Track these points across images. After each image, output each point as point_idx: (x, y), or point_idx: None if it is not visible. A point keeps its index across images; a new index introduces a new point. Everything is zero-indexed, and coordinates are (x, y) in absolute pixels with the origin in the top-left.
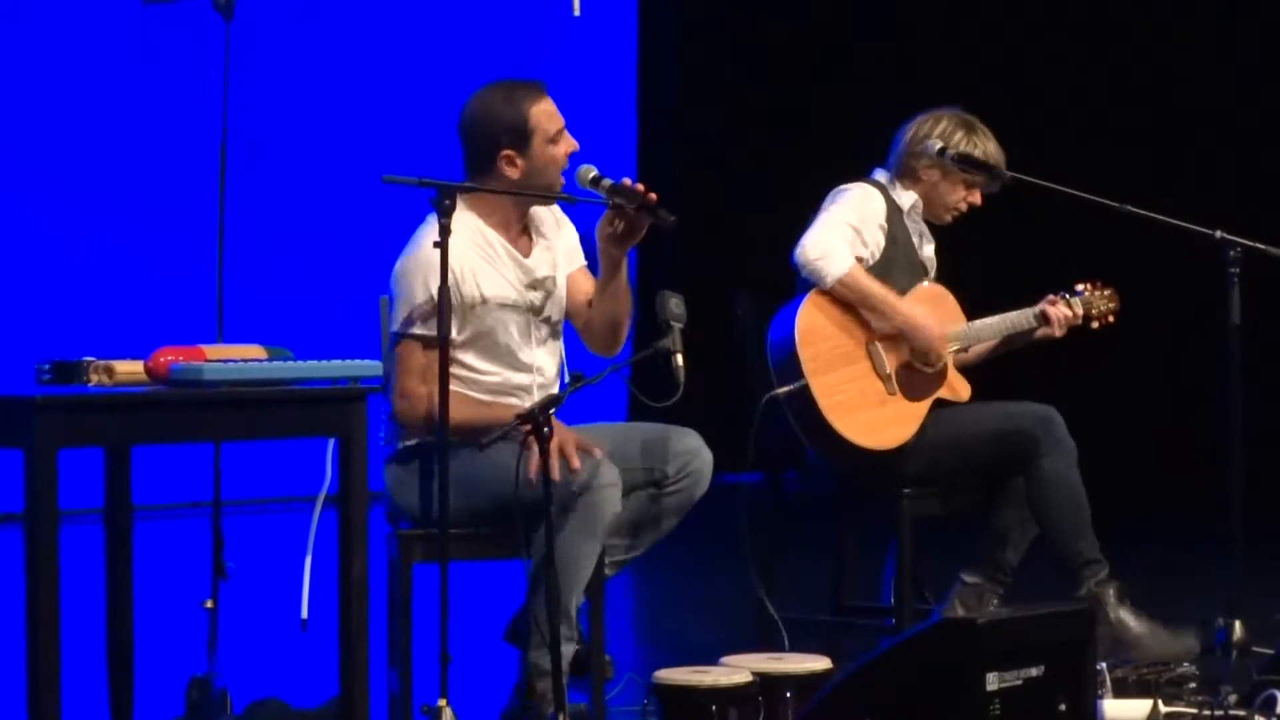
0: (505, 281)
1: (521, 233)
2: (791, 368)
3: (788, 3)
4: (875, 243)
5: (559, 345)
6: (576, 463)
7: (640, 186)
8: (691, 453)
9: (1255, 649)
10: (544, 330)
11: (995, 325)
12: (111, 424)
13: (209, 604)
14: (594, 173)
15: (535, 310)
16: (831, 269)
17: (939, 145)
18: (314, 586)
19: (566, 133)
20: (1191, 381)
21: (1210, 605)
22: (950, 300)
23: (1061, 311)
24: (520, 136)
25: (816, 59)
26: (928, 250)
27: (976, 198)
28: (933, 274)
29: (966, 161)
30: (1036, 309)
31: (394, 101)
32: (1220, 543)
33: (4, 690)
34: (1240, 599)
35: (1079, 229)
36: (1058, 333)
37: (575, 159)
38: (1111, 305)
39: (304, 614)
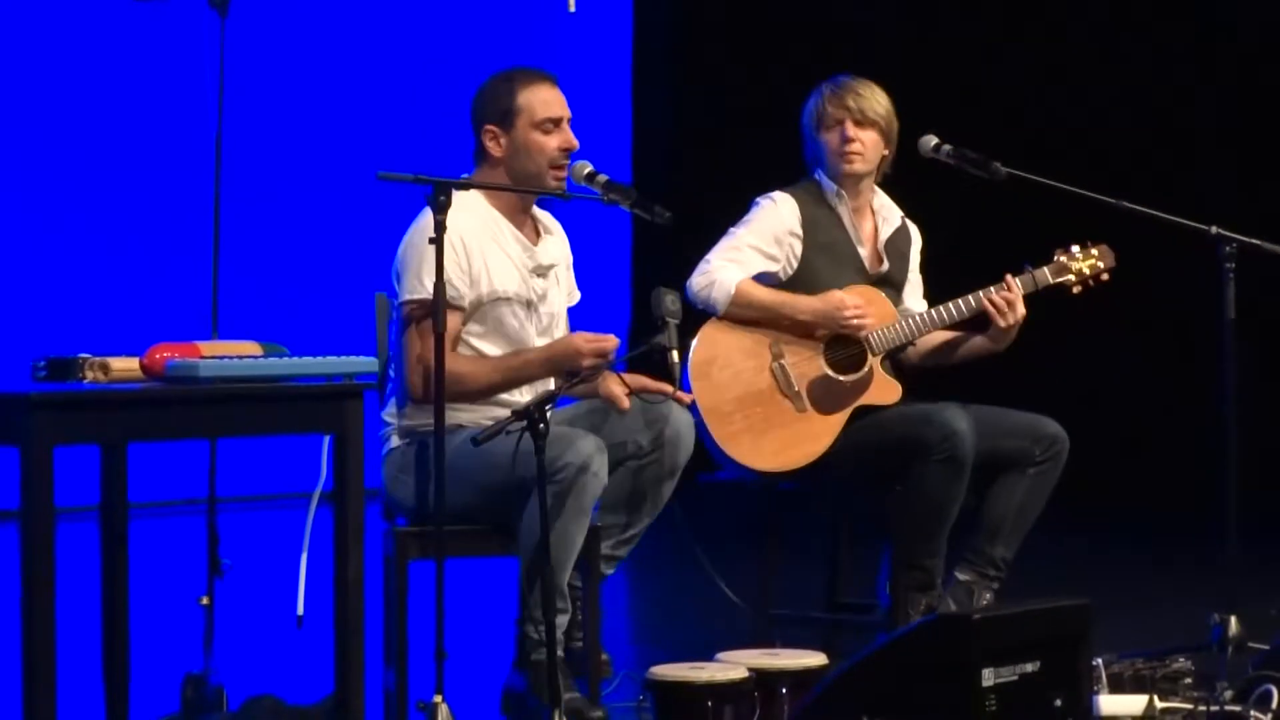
0: (511, 264)
1: (526, 221)
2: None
3: None
4: (788, 254)
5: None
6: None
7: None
8: (663, 419)
9: (1251, 644)
10: (545, 321)
11: (926, 319)
12: (107, 421)
13: (205, 601)
14: (590, 168)
15: (537, 299)
16: (718, 295)
17: (933, 143)
18: (310, 583)
19: (566, 128)
20: (1187, 376)
21: (1206, 600)
22: (877, 299)
23: (997, 300)
24: (506, 114)
25: (812, 55)
26: (889, 230)
27: (849, 130)
28: (890, 263)
29: (963, 159)
30: (979, 294)
31: (389, 98)
32: (1216, 538)
33: (0, 687)
34: (1236, 594)
35: (1074, 226)
36: (1002, 322)
37: (574, 158)
38: (1100, 264)
39: (300, 611)
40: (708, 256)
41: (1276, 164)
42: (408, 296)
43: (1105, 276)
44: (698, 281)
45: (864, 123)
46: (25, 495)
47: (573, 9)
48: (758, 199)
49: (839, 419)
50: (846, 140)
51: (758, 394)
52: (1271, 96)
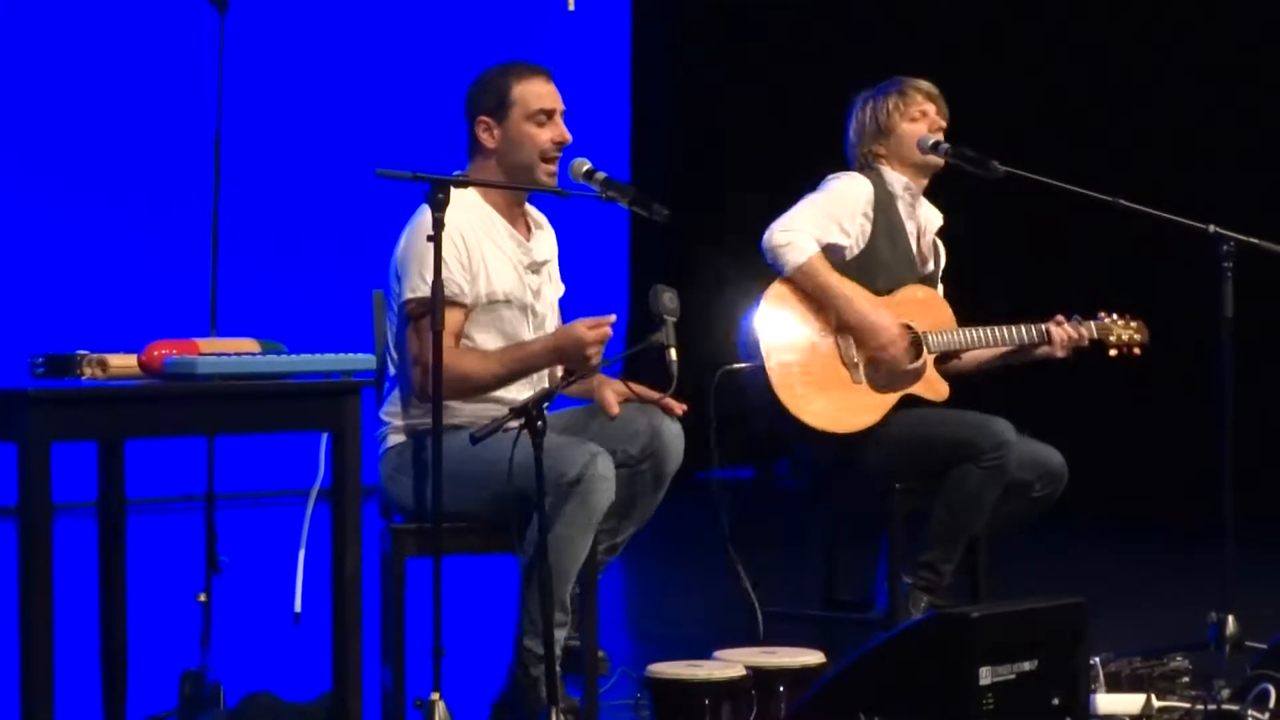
0: (507, 262)
1: (519, 217)
2: (753, 350)
3: None
4: (859, 231)
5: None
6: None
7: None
8: (653, 429)
9: (1248, 644)
10: (539, 318)
11: (984, 336)
12: (105, 417)
13: (202, 598)
14: (588, 166)
15: (532, 297)
16: (792, 257)
17: (931, 140)
18: (307, 580)
19: (559, 121)
20: (1184, 376)
21: (1204, 599)
22: (940, 304)
23: (1066, 332)
24: (499, 106)
25: (811, 52)
26: (931, 234)
27: (937, 119)
28: (934, 265)
29: (961, 157)
30: (1043, 325)
31: (387, 96)
32: (1214, 538)
33: None
34: (1233, 594)
35: (1073, 224)
36: (1059, 353)
37: (569, 152)
38: (1137, 337)
39: (297, 608)
40: (791, 213)
41: (1277, 163)
42: (409, 295)
43: (1138, 351)
44: (778, 237)
45: (943, 114)
46: (23, 491)
47: (572, 7)
48: (834, 174)
49: (889, 399)
50: (937, 127)
51: (820, 355)
52: (1272, 96)
